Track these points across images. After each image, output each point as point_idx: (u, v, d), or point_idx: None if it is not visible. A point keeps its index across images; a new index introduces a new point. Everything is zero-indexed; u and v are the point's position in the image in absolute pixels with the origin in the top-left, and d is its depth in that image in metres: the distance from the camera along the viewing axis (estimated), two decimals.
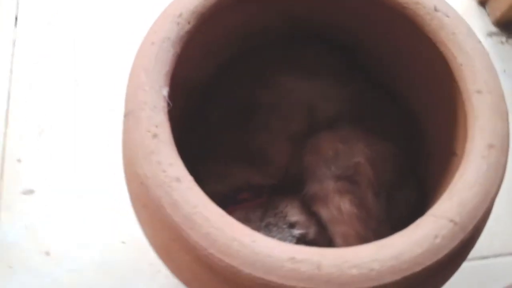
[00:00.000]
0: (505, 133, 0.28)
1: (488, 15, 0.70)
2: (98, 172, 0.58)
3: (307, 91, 0.43)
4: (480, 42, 0.30)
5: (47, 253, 0.54)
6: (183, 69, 0.36)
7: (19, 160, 0.59)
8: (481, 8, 0.70)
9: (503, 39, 0.68)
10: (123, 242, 0.55)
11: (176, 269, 0.30)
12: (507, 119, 0.28)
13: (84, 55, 0.65)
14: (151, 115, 0.28)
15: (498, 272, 0.53)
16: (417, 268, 0.24)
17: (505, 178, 0.57)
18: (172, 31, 0.30)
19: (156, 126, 0.27)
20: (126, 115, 0.28)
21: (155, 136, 0.27)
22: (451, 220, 0.25)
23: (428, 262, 0.24)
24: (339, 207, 0.38)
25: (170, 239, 0.28)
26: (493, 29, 0.69)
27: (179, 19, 0.30)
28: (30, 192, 0.58)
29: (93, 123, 0.61)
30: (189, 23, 0.31)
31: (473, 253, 0.54)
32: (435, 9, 0.31)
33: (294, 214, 0.41)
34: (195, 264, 0.27)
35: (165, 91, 0.29)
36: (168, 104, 0.29)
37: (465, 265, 0.54)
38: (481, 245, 0.54)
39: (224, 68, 0.45)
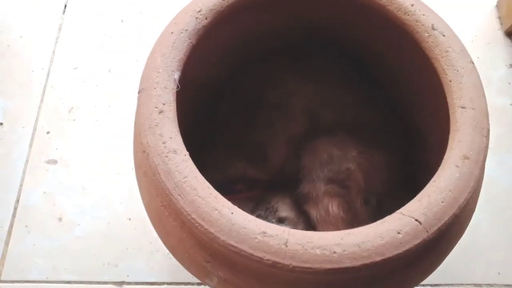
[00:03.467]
0: (482, 147, 0.29)
1: None
2: (117, 152, 0.64)
3: (311, 96, 0.46)
4: (471, 62, 0.32)
5: (60, 219, 0.60)
6: (199, 66, 0.40)
7: (48, 132, 0.66)
8: (507, 39, 0.71)
9: None
10: (129, 219, 0.60)
11: (164, 234, 0.33)
12: (486, 135, 0.30)
13: (116, 47, 0.72)
14: (161, 94, 0.32)
15: None
16: (377, 258, 0.26)
17: (504, 211, 0.57)
18: (190, 24, 0.34)
19: (164, 104, 0.31)
20: (139, 92, 0.32)
21: (161, 112, 0.31)
22: (416, 220, 0.27)
23: (388, 253, 0.26)
24: (327, 208, 0.41)
25: (162, 205, 0.31)
26: None
27: (198, 14, 0.35)
28: (53, 162, 0.64)
29: (119, 109, 0.67)
30: (206, 18, 0.35)
31: (466, 279, 0.55)
32: (433, 28, 0.33)
33: (284, 210, 0.43)
34: (180, 229, 0.31)
35: (176, 75, 0.33)
36: (178, 87, 0.33)
37: None
38: (475, 273, 0.55)
39: (237, 69, 0.48)
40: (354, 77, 0.48)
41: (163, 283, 0.55)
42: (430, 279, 0.55)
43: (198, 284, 0.55)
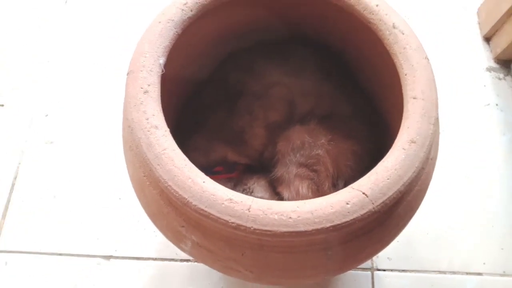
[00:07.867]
0: (429, 133, 0.33)
1: (491, 51, 0.73)
2: (110, 135, 0.67)
3: (290, 87, 0.49)
4: (426, 58, 0.36)
5: (55, 196, 0.63)
6: (186, 57, 0.44)
7: (46, 115, 0.69)
8: (485, 44, 0.74)
9: (501, 75, 0.72)
10: (119, 198, 0.63)
11: (146, 203, 0.37)
12: (434, 123, 0.34)
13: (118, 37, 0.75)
14: (146, 76, 0.35)
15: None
16: (327, 224, 0.30)
17: (471, 204, 0.61)
18: (176, 15, 0.38)
19: (149, 85, 0.35)
20: (128, 74, 0.36)
21: (146, 92, 0.35)
22: (363, 193, 0.31)
23: (337, 221, 0.30)
24: (298, 190, 0.44)
25: (144, 175, 0.35)
26: (493, 64, 0.73)
27: (184, 6, 0.38)
28: (50, 142, 0.67)
29: (115, 93, 0.70)
30: (191, 10, 0.39)
31: (431, 266, 0.58)
32: (393, 26, 0.37)
33: (260, 191, 0.47)
34: (159, 197, 0.34)
35: (162, 60, 0.36)
36: (162, 70, 0.36)
37: (420, 275, 0.58)
38: (439, 260, 0.58)
39: (223, 60, 0.52)
40: (332, 71, 0.51)
41: (148, 259, 0.59)
42: (398, 264, 0.59)
43: (181, 260, 0.59)
